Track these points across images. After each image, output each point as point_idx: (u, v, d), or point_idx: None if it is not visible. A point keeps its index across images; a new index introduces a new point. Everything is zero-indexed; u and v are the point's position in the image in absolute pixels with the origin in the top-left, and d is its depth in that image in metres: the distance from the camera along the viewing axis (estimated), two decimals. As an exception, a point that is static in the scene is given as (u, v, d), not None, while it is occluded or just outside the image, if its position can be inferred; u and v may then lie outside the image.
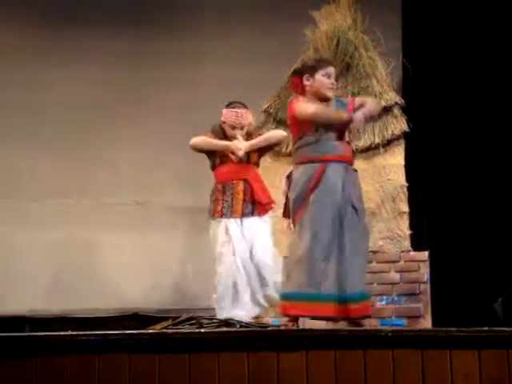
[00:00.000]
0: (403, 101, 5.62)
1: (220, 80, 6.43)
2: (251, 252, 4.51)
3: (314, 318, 4.09)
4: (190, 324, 3.46)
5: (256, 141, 4.60)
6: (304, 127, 4.08)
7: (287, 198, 4.15)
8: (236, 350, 3.01)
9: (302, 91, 4.19)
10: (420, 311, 5.15)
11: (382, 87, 5.61)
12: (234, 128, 4.66)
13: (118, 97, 6.59)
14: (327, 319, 4.04)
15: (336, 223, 3.93)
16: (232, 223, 4.51)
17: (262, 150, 4.71)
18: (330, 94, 4.12)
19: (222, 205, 4.53)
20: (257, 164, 4.73)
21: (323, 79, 4.12)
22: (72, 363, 3.02)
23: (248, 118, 4.71)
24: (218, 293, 4.54)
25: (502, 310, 4.46)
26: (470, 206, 5.75)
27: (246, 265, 4.48)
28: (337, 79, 4.35)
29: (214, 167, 4.71)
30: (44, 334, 3.18)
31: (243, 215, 4.51)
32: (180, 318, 3.58)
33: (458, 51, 5.99)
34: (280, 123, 5.68)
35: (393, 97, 5.58)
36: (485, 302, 4.81)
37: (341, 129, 4.07)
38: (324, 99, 4.13)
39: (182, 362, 3.00)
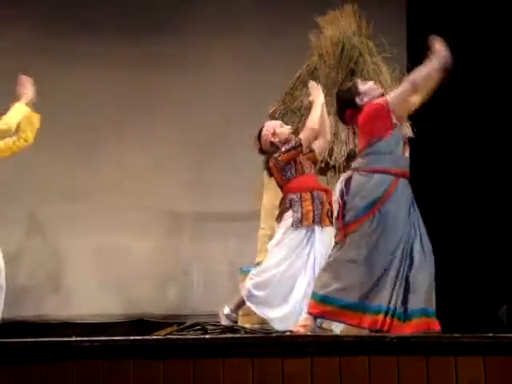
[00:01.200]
0: (408, 106, 5.61)
1: (225, 85, 6.45)
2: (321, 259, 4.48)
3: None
4: (195, 330, 3.46)
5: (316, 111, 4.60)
6: (379, 128, 3.97)
7: (344, 204, 4.06)
8: (241, 356, 3.00)
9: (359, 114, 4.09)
10: (425, 317, 5.12)
11: (386, 93, 5.60)
12: (282, 125, 4.70)
13: (125, 101, 6.62)
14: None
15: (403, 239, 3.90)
16: (318, 231, 4.48)
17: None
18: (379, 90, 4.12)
19: (314, 213, 4.49)
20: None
21: (367, 85, 4.14)
22: (77, 369, 3.02)
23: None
24: (272, 290, 4.45)
25: (507, 317, 4.45)
26: (473, 211, 5.75)
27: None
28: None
29: (294, 176, 4.63)
30: (49, 339, 3.19)
31: (329, 224, 4.47)
32: (185, 324, 3.58)
33: (463, 56, 5.98)
34: (285, 128, 5.68)
35: (397, 102, 5.57)
36: (489, 308, 4.81)
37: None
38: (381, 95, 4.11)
39: (187, 368, 3.00)
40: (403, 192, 3.92)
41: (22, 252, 6.39)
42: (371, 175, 3.92)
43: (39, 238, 6.42)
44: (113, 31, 6.65)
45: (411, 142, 5.54)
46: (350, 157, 5.41)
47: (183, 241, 6.52)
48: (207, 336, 3.32)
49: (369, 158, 3.96)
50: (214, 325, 3.73)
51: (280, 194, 5.40)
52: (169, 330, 3.59)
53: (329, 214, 4.46)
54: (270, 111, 5.80)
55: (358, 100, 4.07)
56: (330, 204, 4.40)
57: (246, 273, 4.71)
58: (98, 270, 6.39)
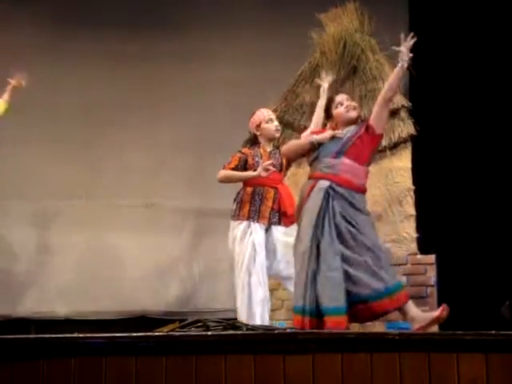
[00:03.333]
0: (410, 104, 5.61)
1: (228, 82, 6.45)
2: (270, 260, 4.52)
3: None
4: (197, 326, 3.45)
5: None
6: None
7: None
8: (242, 353, 3.00)
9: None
10: (427, 314, 5.13)
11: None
12: (272, 120, 4.69)
13: (127, 99, 6.62)
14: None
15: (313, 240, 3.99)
16: (257, 228, 4.51)
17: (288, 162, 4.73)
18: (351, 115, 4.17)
19: (249, 208, 4.53)
20: (285, 174, 4.76)
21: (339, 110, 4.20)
22: (79, 365, 3.02)
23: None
24: (248, 297, 4.50)
25: (509, 314, 4.45)
26: (477, 208, 5.74)
27: (262, 271, 4.47)
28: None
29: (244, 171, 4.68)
30: (50, 336, 3.18)
31: (270, 223, 4.52)
32: (187, 321, 3.57)
33: (465, 54, 5.98)
34: (287, 126, 5.68)
35: (400, 100, 5.57)
36: (492, 305, 4.80)
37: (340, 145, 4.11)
38: (351, 122, 4.17)
39: (189, 365, 3.00)
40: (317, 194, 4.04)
41: (22, 248, 6.39)
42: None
43: (41, 235, 6.43)
44: (115, 28, 6.65)
45: (414, 139, 5.57)
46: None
47: (185, 238, 6.52)
48: (209, 333, 3.31)
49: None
50: (216, 321, 3.72)
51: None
52: (171, 326, 3.58)
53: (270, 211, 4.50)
54: (272, 109, 5.79)
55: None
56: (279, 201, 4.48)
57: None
58: (99, 267, 6.40)
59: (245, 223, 4.52)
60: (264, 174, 4.48)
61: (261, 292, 4.45)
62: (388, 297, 3.93)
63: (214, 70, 6.57)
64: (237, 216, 4.56)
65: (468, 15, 6.01)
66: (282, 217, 4.55)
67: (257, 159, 4.60)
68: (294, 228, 4.40)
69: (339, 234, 3.97)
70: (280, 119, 5.81)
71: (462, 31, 5.99)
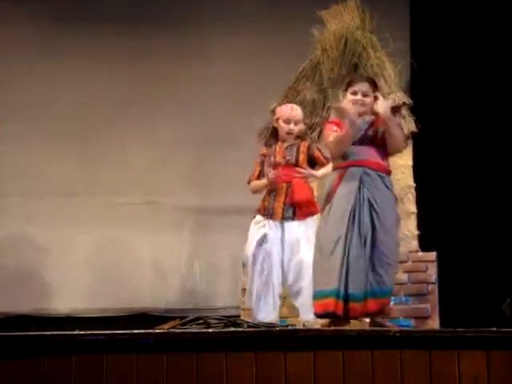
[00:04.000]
0: (411, 101, 5.61)
1: (229, 78, 6.44)
2: (287, 257, 4.50)
3: (322, 316, 4.11)
4: (198, 324, 3.45)
5: (321, 173, 4.54)
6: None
7: None
8: (243, 350, 3.01)
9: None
10: (428, 312, 5.13)
11: (390, 87, 5.59)
12: (289, 122, 4.63)
13: (127, 95, 6.61)
14: (331, 316, 4.04)
15: (345, 223, 4.01)
16: (271, 225, 4.50)
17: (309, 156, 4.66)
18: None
19: (265, 205, 4.53)
20: (302, 166, 4.62)
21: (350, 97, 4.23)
22: (80, 363, 3.03)
23: (301, 115, 4.72)
24: (253, 293, 4.50)
25: (510, 311, 4.45)
26: (478, 206, 5.74)
27: (275, 269, 4.47)
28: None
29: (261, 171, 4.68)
30: (51, 333, 3.19)
31: (283, 219, 4.49)
32: (188, 318, 3.57)
33: (467, 51, 5.97)
34: (288, 123, 5.67)
35: (401, 97, 5.57)
36: (493, 302, 4.80)
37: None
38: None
39: (190, 362, 3.00)
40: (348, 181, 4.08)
41: (24, 245, 6.39)
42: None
43: (41, 232, 6.42)
44: (115, 24, 6.63)
45: (415, 137, 5.56)
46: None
47: (185, 235, 6.51)
48: (210, 330, 3.32)
49: None
50: (217, 319, 3.72)
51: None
52: (171, 323, 3.58)
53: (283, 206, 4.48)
54: (273, 106, 5.79)
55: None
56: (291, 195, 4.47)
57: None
58: (100, 265, 6.39)
59: (260, 219, 4.52)
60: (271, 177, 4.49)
61: (267, 288, 4.44)
62: (377, 298, 3.97)
63: (214, 66, 6.55)
64: (256, 211, 4.57)
65: (469, 12, 6.00)
66: (297, 209, 4.49)
67: (272, 158, 4.60)
68: (309, 225, 4.44)
69: (362, 223, 4.01)
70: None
71: (464, 28, 5.99)
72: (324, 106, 5.59)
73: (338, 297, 3.93)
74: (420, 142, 5.61)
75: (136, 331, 3.14)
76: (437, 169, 5.82)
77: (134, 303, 6.33)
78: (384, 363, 2.96)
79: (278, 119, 4.67)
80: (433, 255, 5.25)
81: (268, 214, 4.50)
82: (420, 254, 5.31)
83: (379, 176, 4.11)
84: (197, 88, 6.51)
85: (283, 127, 4.63)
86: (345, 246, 3.98)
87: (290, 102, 5.79)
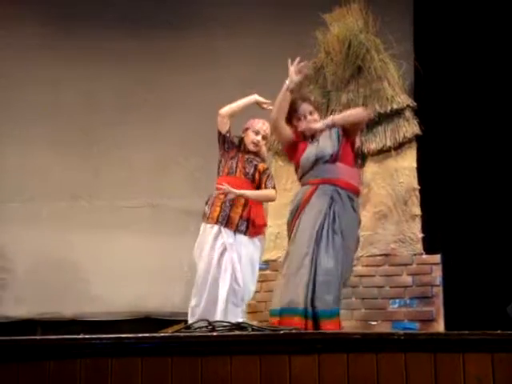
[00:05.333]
0: (415, 103, 5.61)
1: (232, 81, 6.44)
2: (232, 267, 4.54)
3: None
4: (203, 327, 3.45)
5: (252, 194, 4.62)
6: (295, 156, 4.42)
7: None
8: (248, 354, 3.01)
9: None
10: (432, 314, 5.13)
11: (393, 90, 5.60)
12: (257, 133, 4.73)
13: (131, 98, 6.62)
14: None
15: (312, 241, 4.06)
16: (227, 232, 4.55)
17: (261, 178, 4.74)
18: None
19: (220, 213, 4.56)
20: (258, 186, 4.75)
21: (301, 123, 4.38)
22: (85, 366, 3.03)
23: (270, 133, 4.79)
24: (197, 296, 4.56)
25: (516, 313, 4.44)
26: (482, 208, 5.73)
27: (228, 276, 4.51)
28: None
29: (220, 174, 4.73)
30: (57, 337, 3.19)
31: (237, 230, 4.55)
32: (192, 321, 3.57)
33: (470, 53, 5.97)
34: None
35: (405, 99, 5.57)
36: (498, 305, 4.79)
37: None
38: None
39: (195, 366, 3.00)
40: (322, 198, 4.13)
41: (26, 249, 6.40)
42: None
43: (45, 236, 6.43)
44: (118, 28, 6.65)
45: (419, 139, 5.56)
46: (357, 154, 5.40)
47: (189, 239, 6.50)
48: (215, 333, 3.32)
49: None
50: (222, 322, 3.72)
51: (287, 193, 5.41)
52: (176, 327, 3.58)
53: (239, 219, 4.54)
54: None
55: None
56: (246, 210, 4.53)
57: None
58: (104, 268, 6.39)
59: (215, 227, 4.56)
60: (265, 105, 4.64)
61: (222, 293, 4.48)
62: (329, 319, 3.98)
63: (218, 69, 6.56)
64: (207, 219, 4.60)
65: (473, 15, 5.99)
66: (250, 226, 4.57)
67: (232, 163, 4.68)
68: (256, 246, 4.56)
69: (333, 240, 4.04)
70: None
71: (467, 30, 5.98)
72: (328, 108, 5.60)
73: (305, 315, 3.94)
74: (424, 145, 5.61)
75: (141, 335, 3.14)
76: (441, 171, 5.81)
77: (138, 307, 6.34)
78: (389, 366, 2.95)
79: (247, 129, 4.77)
80: (437, 258, 5.25)
81: (223, 221, 4.54)
82: (424, 256, 5.30)
83: (349, 197, 4.17)
84: (201, 91, 6.52)
85: (250, 136, 4.71)
86: (311, 262, 4.00)
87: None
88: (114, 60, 6.66)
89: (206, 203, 4.70)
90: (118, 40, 6.64)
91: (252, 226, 4.58)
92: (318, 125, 4.27)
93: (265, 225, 4.72)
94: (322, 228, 4.06)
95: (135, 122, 6.61)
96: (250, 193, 4.61)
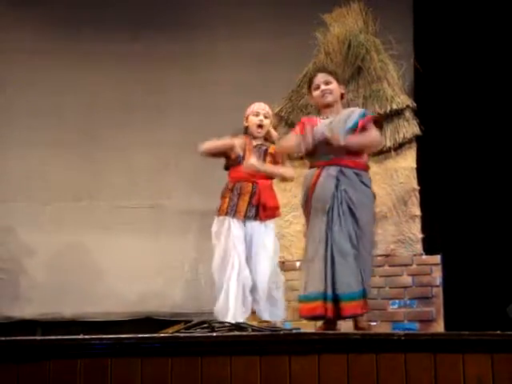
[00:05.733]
0: (415, 104, 5.61)
1: (234, 83, 6.44)
2: (249, 256, 4.51)
3: (312, 318, 4.13)
4: (202, 328, 3.46)
5: (269, 169, 4.58)
6: None
7: None
8: (248, 354, 3.01)
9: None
10: (432, 315, 5.14)
11: (393, 90, 5.60)
12: (258, 114, 4.66)
13: (132, 100, 6.62)
14: (319, 319, 4.06)
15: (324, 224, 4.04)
16: (235, 223, 4.52)
17: (275, 160, 4.71)
18: (324, 101, 4.28)
19: (228, 203, 4.54)
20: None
21: (316, 93, 4.31)
22: (84, 367, 3.03)
23: (270, 110, 4.76)
24: (217, 292, 4.53)
25: (515, 314, 4.44)
26: (482, 208, 5.73)
27: (241, 267, 4.47)
28: (344, 82, 4.40)
29: (227, 167, 4.72)
30: (56, 337, 3.20)
31: (246, 217, 4.51)
32: (192, 322, 3.57)
33: (470, 54, 5.97)
34: (292, 126, 5.67)
35: (404, 100, 5.57)
36: (498, 305, 4.80)
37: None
38: (327, 106, 4.29)
39: (195, 366, 3.01)
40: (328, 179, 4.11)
41: (29, 250, 6.40)
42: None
43: (46, 237, 6.43)
44: (120, 30, 6.65)
45: (419, 139, 5.56)
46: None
47: (190, 239, 6.51)
48: (214, 334, 3.32)
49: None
50: (221, 322, 3.72)
51: (287, 193, 5.41)
52: (176, 327, 3.58)
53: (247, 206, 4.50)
54: (277, 110, 5.80)
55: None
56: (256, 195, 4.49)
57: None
58: (105, 269, 6.39)
59: (223, 219, 4.54)
60: (247, 167, 4.51)
61: (236, 288, 4.44)
62: (358, 300, 3.97)
63: (219, 71, 6.56)
64: (217, 211, 4.59)
65: (473, 15, 5.99)
66: (261, 210, 4.50)
67: (239, 152, 4.63)
68: (269, 228, 4.50)
69: (345, 221, 4.02)
70: (285, 120, 5.82)
71: (467, 30, 5.98)
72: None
73: (325, 299, 3.93)
74: (424, 145, 5.62)
75: (141, 335, 3.14)
76: (441, 171, 5.81)
77: (138, 307, 6.33)
78: (389, 367, 2.96)
79: (247, 117, 4.72)
80: (437, 258, 5.25)
81: (231, 212, 4.53)
82: (424, 257, 5.31)
83: (356, 174, 4.13)
84: (202, 93, 6.52)
85: (253, 120, 4.66)
86: (326, 247, 3.99)
87: (293, 105, 5.81)
88: (115, 64, 6.65)
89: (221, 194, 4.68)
90: (119, 42, 6.64)
91: (263, 210, 4.49)
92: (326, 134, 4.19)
93: (278, 207, 4.59)
94: (333, 210, 4.03)
95: (136, 123, 6.61)
96: (269, 169, 4.58)
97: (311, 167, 4.23)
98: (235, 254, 4.46)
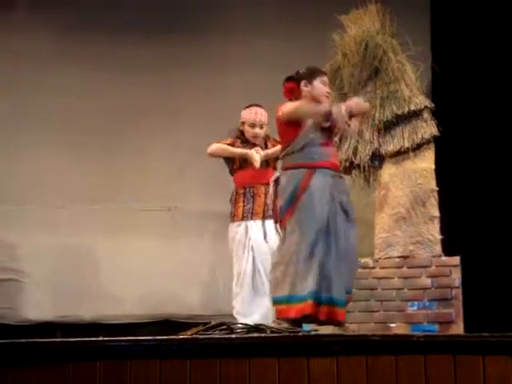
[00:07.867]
0: (433, 104, 5.59)
1: (247, 87, 6.44)
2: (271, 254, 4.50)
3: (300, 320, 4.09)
4: (221, 329, 3.46)
5: (272, 151, 4.62)
6: (289, 133, 4.17)
7: (275, 203, 4.16)
8: (267, 356, 3.00)
9: (296, 97, 4.35)
10: (452, 316, 5.10)
11: (411, 91, 5.58)
12: (253, 126, 4.70)
13: (147, 104, 6.63)
14: (313, 321, 4.04)
15: (323, 227, 3.99)
16: (253, 226, 4.52)
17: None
18: (325, 101, 4.28)
19: (243, 208, 4.55)
20: (275, 168, 4.76)
21: (321, 86, 4.32)
22: (104, 369, 3.04)
23: (266, 117, 4.78)
24: (236, 297, 4.53)
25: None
26: (501, 209, 5.70)
27: (267, 267, 4.46)
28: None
29: (233, 172, 4.73)
30: (76, 339, 3.20)
31: (264, 217, 4.51)
32: (211, 324, 3.58)
33: (488, 54, 5.94)
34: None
35: (422, 100, 5.55)
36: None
37: (327, 134, 4.17)
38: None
39: (213, 368, 3.01)
40: (323, 182, 4.05)
41: (44, 253, 6.43)
42: (286, 172, 4.14)
43: (62, 240, 6.46)
44: (133, 34, 6.66)
45: (437, 140, 5.54)
46: (375, 156, 5.40)
47: (207, 242, 6.52)
48: (233, 336, 3.32)
49: (287, 158, 4.17)
50: (240, 324, 3.72)
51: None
52: (194, 330, 3.59)
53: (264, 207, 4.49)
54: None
55: (302, 84, 4.37)
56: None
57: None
58: (122, 271, 6.41)
59: (239, 224, 4.53)
60: (256, 163, 4.49)
61: (255, 290, 4.43)
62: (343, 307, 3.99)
63: (233, 75, 6.57)
64: (232, 217, 4.59)
65: (491, 15, 5.96)
66: None
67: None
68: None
69: (337, 225, 4.03)
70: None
71: (485, 31, 5.95)
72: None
73: (319, 302, 3.91)
74: (442, 146, 5.58)
75: (159, 337, 3.15)
76: (459, 172, 5.79)
77: (157, 310, 6.35)
78: (408, 368, 2.94)
79: (243, 123, 4.74)
80: (456, 259, 5.22)
81: (248, 215, 4.51)
82: (443, 258, 5.27)
83: (340, 177, 4.20)
84: (216, 96, 6.53)
85: (249, 131, 4.70)
86: (322, 249, 3.97)
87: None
88: (129, 67, 6.66)
89: (230, 200, 4.69)
90: (134, 48, 6.65)
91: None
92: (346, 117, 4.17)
93: None
94: (328, 213, 4.02)
95: (150, 127, 6.62)
96: (272, 150, 4.59)
97: (292, 167, 4.11)
98: (253, 257, 4.46)
